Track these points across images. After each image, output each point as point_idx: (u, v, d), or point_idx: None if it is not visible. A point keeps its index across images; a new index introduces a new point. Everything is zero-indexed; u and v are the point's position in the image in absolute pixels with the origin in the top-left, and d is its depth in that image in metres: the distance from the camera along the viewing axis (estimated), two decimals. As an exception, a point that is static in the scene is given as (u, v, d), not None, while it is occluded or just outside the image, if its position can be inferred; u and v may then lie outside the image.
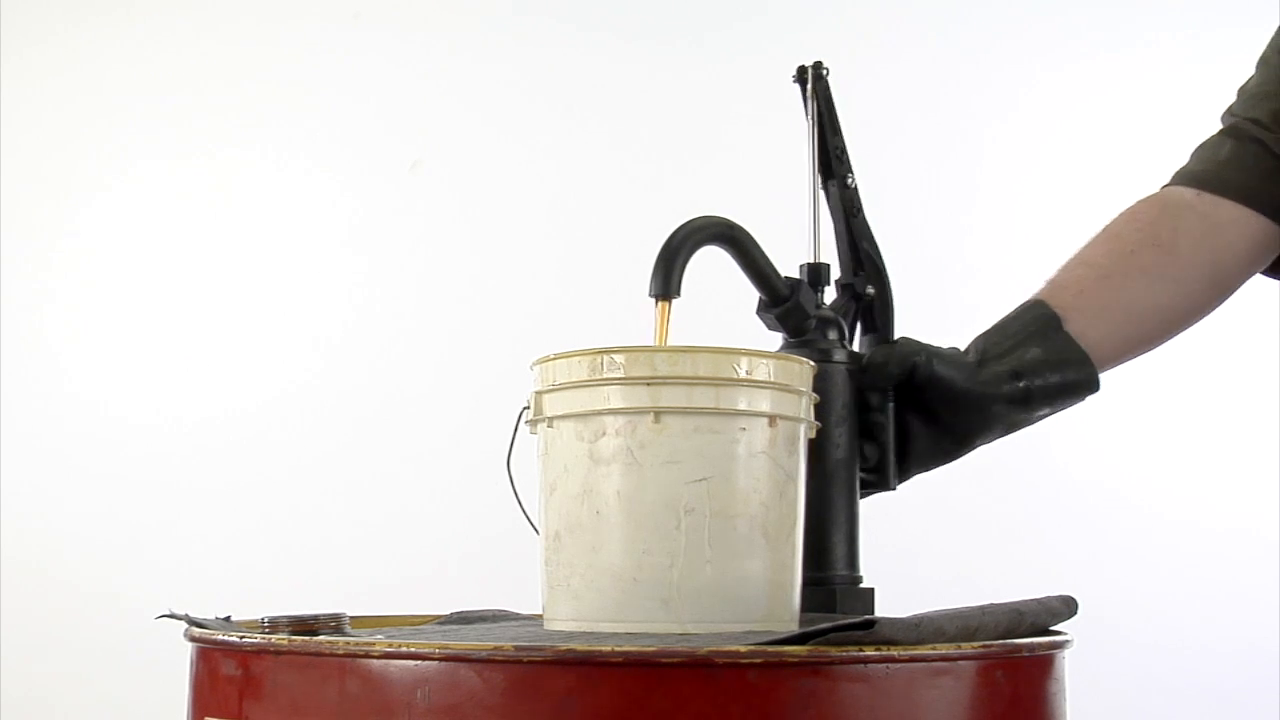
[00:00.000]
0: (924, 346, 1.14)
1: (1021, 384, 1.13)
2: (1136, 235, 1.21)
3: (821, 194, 1.23)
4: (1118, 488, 2.65)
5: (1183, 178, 1.24)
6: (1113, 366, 1.19)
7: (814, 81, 1.21)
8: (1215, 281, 1.22)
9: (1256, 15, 2.66)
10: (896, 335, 1.20)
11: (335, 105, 2.74)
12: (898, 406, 1.14)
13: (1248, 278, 1.25)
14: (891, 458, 1.15)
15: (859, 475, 1.15)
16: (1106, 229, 1.22)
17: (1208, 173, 1.23)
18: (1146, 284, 1.20)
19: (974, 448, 1.16)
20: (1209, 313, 1.24)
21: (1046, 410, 1.16)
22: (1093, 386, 1.17)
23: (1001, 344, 1.15)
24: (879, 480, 1.16)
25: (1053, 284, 1.20)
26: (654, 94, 2.73)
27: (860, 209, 1.22)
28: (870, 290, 1.21)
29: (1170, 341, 1.23)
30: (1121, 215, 1.23)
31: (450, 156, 2.74)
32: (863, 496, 1.16)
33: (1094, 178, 2.68)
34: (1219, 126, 1.27)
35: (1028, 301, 1.19)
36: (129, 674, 2.51)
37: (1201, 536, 2.64)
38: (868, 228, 1.22)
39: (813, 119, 1.21)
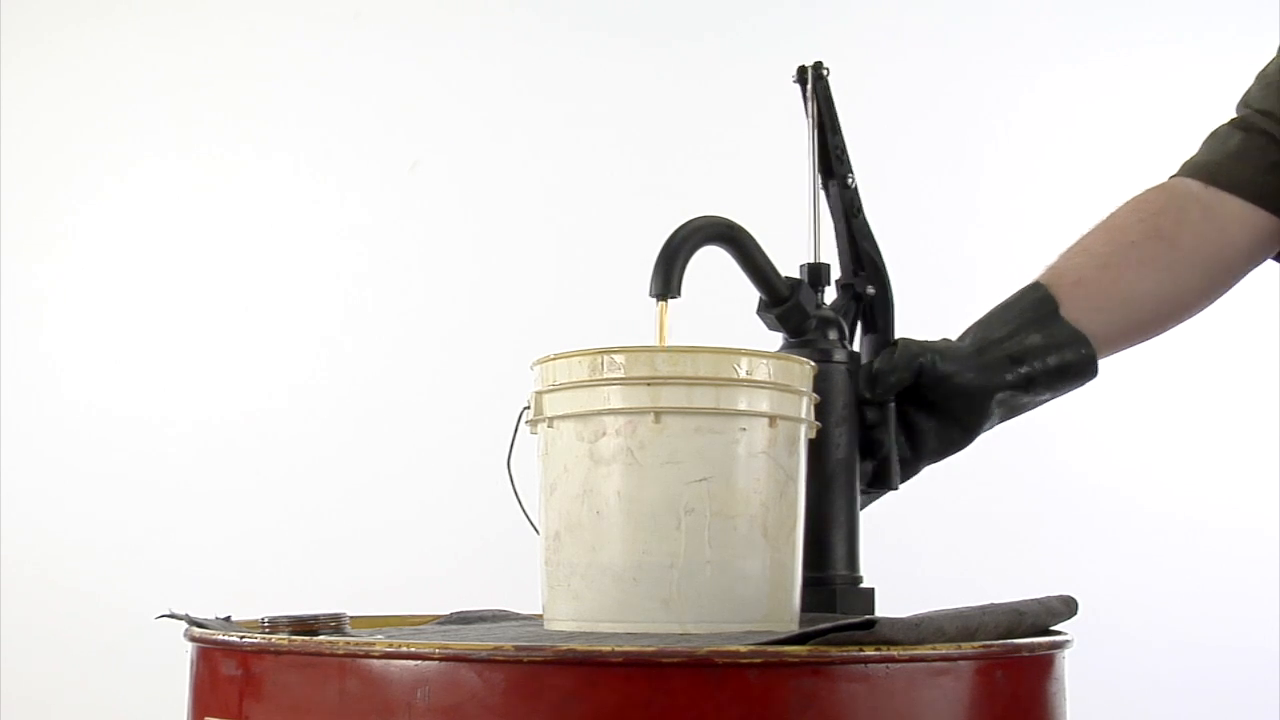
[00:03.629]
0: (925, 347, 1.14)
1: (1023, 370, 1.14)
2: (1139, 226, 1.21)
3: (822, 194, 1.23)
4: (1118, 487, 2.65)
5: (1191, 169, 1.24)
6: (1110, 354, 1.19)
7: (814, 81, 1.21)
8: (1216, 274, 1.23)
9: (1257, 16, 2.67)
10: (897, 335, 1.20)
11: (335, 105, 2.74)
12: (900, 405, 1.14)
13: (1249, 271, 1.25)
14: (894, 459, 1.14)
15: (860, 487, 1.14)
16: (1110, 217, 1.23)
17: (1215, 165, 1.23)
18: (1146, 275, 1.20)
19: (979, 435, 1.16)
20: (1208, 305, 1.25)
21: (1047, 395, 1.16)
22: (1091, 371, 1.17)
23: (1000, 330, 1.16)
24: (881, 483, 1.15)
25: (1052, 270, 1.20)
26: (654, 94, 2.73)
27: (860, 209, 1.22)
28: (870, 290, 1.22)
29: (1170, 335, 1.24)
30: (1126, 204, 1.23)
31: (450, 156, 2.74)
32: (864, 506, 1.16)
33: (1096, 178, 2.68)
34: (1232, 114, 1.27)
35: (1025, 286, 1.19)
36: (129, 674, 2.51)
37: (1202, 536, 2.64)
38: (868, 228, 1.22)
39: (812, 119, 1.21)
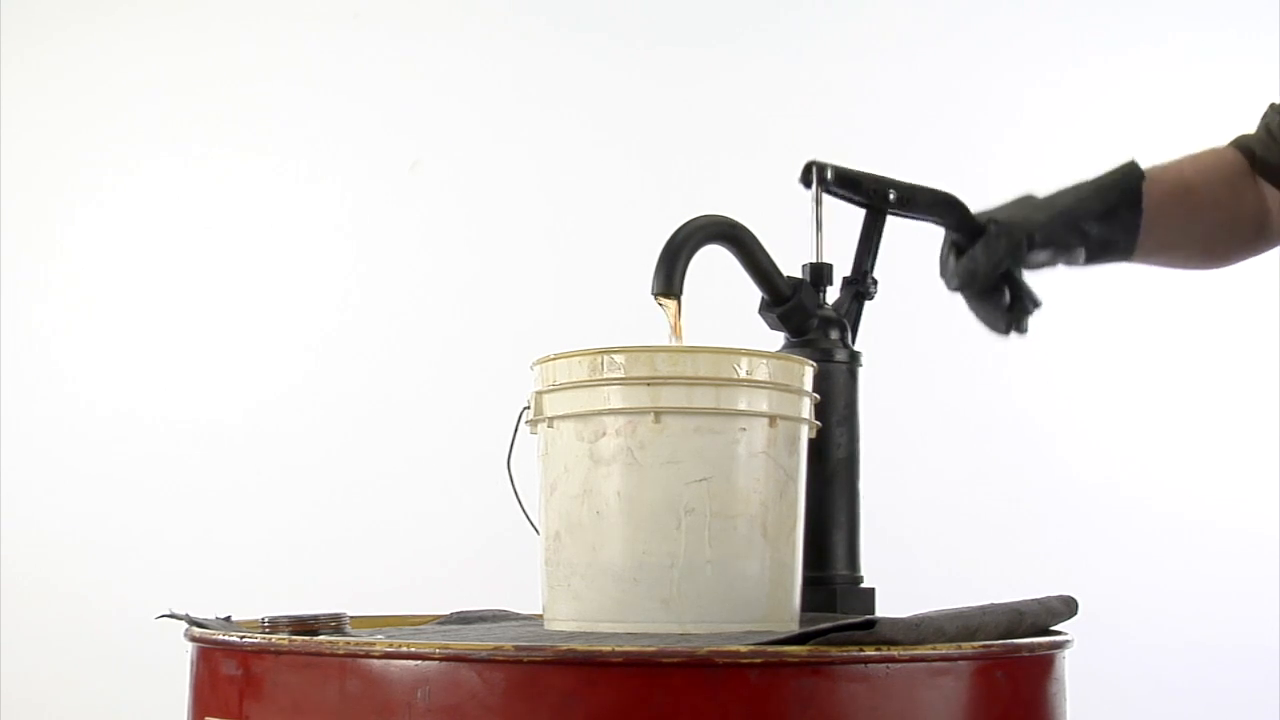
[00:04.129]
0: (1019, 226, 1.18)
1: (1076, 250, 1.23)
2: (1224, 168, 1.31)
3: (823, 194, 1.22)
4: (1118, 487, 2.65)
5: (1240, 146, 1.32)
6: (1148, 253, 1.28)
7: (818, 183, 1.20)
8: (1258, 234, 1.33)
9: (1258, 17, 2.67)
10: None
11: (335, 105, 2.74)
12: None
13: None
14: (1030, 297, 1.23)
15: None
16: (1196, 155, 1.32)
17: (1256, 146, 1.31)
18: (1215, 210, 1.31)
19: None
20: (1243, 258, 1.37)
21: (1095, 218, 1.24)
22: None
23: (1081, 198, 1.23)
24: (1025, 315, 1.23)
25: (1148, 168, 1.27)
26: (655, 95, 2.73)
27: (906, 192, 1.24)
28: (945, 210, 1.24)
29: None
30: (1208, 150, 1.33)
31: (450, 156, 2.74)
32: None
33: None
34: None
35: (1126, 171, 1.26)
36: (129, 674, 2.51)
37: (1202, 536, 2.64)
38: (920, 191, 1.24)
39: (816, 219, 1.20)
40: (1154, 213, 1.24)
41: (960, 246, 1.21)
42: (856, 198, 1.21)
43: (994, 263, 1.18)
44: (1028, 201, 1.23)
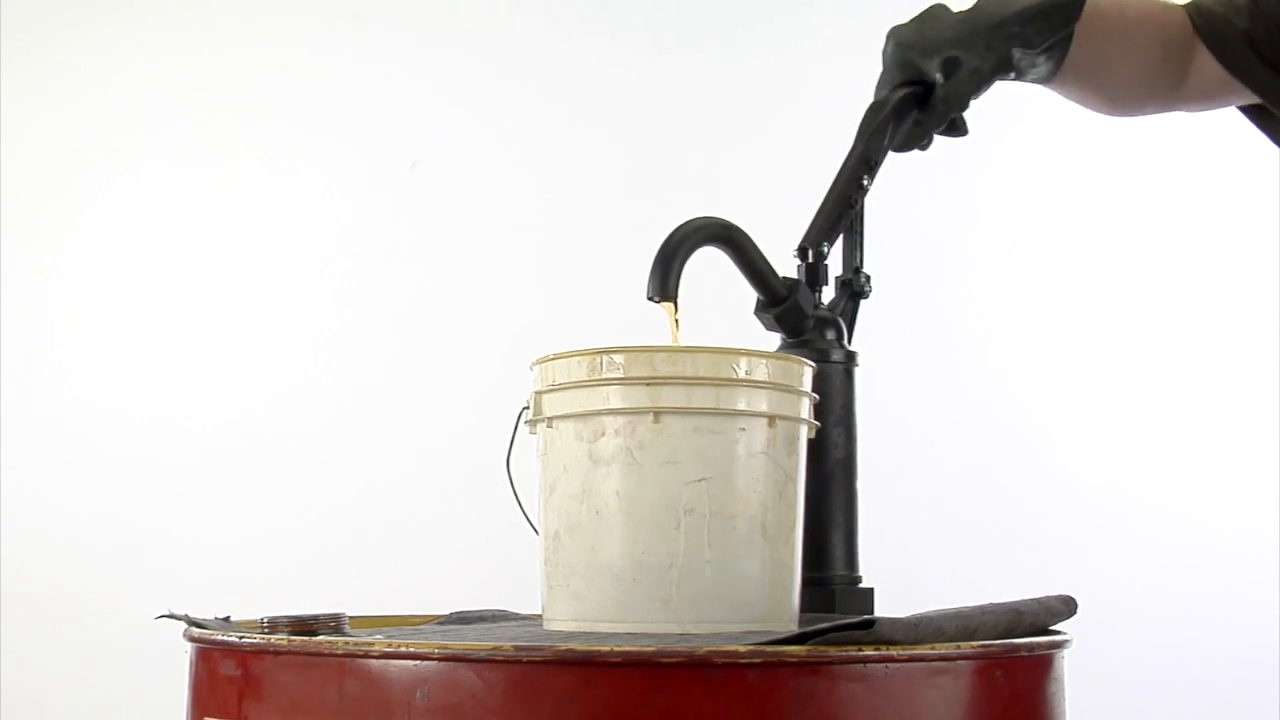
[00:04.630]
0: (956, 92, 1.20)
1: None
2: (1157, 21, 1.29)
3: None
4: (1117, 487, 2.65)
5: (1197, 16, 1.30)
6: (1071, 78, 1.27)
7: (815, 259, 1.19)
8: (1168, 91, 1.32)
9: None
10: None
11: (335, 105, 2.74)
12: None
13: (1187, 107, 1.34)
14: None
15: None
16: (1147, 4, 1.30)
17: (1218, 33, 1.29)
18: (1132, 69, 1.29)
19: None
20: (1144, 111, 1.35)
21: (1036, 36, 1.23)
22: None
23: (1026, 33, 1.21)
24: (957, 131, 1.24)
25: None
26: (654, 96, 2.73)
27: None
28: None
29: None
30: (1157, 5, 1.31)
31: (449, 157, 2.74)
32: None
33: (1097, 178, 2.68)
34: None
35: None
36: (129, 674, 2.51)
37: (1201, 536, 2.64)
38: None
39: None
40: (1083, 49, 1.24)
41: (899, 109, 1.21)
42: (849, 220, 1.21)
43: (936, 128, 1.20)
44: (976, 28, 1.21)
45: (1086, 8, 1.23)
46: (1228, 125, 1.34)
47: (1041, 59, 1.23)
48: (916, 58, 1.20)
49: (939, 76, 1.19)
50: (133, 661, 2.47)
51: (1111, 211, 2.68)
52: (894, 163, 1.25)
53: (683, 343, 1.02)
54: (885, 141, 1.19)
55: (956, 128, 1.24)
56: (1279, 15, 1.26)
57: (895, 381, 2.27)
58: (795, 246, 1.17)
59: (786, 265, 1.17)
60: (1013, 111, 2.74)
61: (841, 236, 1.22)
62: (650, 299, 1.04)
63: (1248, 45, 1.27)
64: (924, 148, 1.23)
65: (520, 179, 2.72)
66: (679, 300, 1.04)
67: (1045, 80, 1.26)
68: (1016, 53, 1.21)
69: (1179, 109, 1.34)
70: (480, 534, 2.22)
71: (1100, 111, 1.35)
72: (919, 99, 1.20)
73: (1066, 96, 1.32)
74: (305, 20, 2.77)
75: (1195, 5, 1.31)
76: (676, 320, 1.03)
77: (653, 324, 1.07)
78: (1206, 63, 1.29)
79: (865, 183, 1.19)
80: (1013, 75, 1.23)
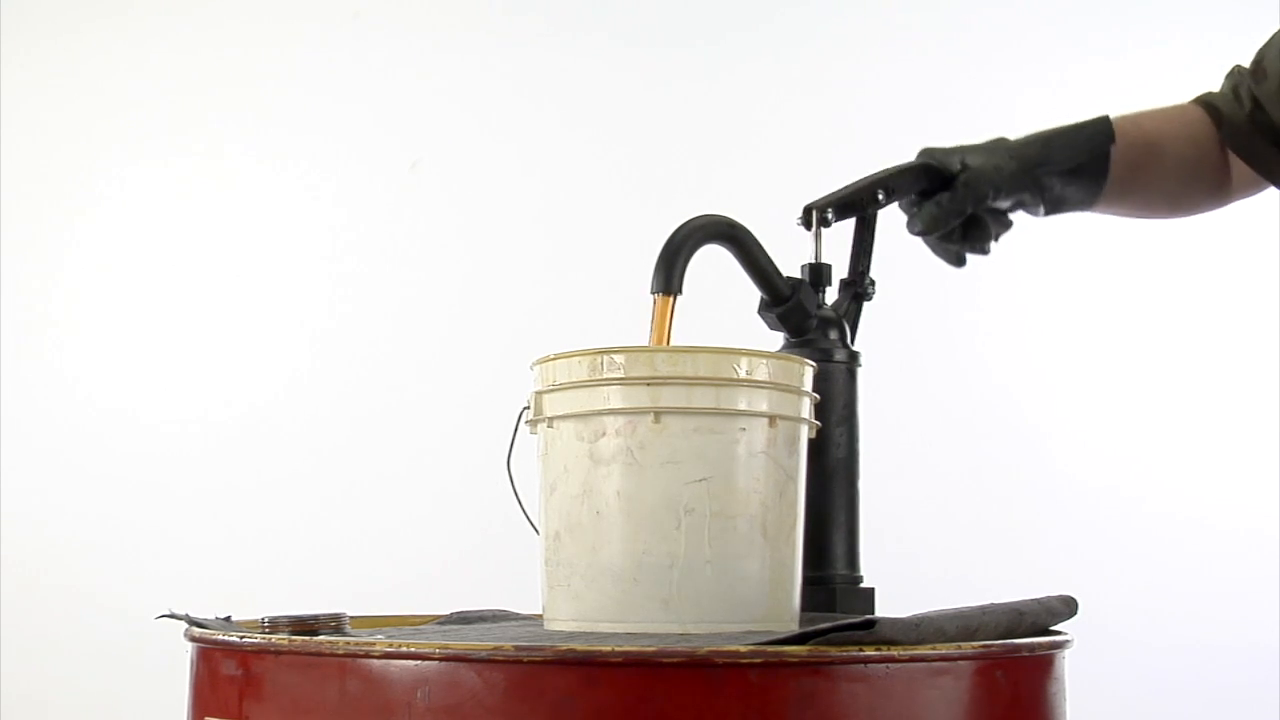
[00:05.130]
0: (982, 176, 1.21)
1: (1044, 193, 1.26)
2: (1186, 127, 1.35)
3: (822, 231, 1.23)
4: (1117, 487, 2.65)
5: (1207, 107, 1.35)
6: (1112, 200, 1.31)
7: (818, 225, 1.20)
8: (1216, 190, 1.36)
9: (1256, 17, 2.66)
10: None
11: (334, 105, 2.74)
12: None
13: (1238, 199, 1.39)
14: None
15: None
16: (1164, 109, 1.37)
17: (1224, 109, 1.35)
18: (1176, 162, 1.34)
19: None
20: (1197, 212, 1.40)
21: (1060, 163, 1.27)
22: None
23: (1058, 162, 1.25)
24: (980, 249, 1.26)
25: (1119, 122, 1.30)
26: (654, 96, 2.73)
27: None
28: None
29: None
30: (1174, 106, 1.37)
31: (449, 157, 2.74)
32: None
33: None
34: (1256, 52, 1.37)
35: (1096, 122, 1.28)
36: (129, 674, 2.51)
37: (1201, 536, 2.64)
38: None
39: (817, 253, 1.21)
40: (1119, 169, 1.28)
41: (927, 192, 1.24)
42: (853, 214, 1.23)
43: (958, 212, 1.22)
44: (999, 147, 1.25)
45: (1118, 152, 1.27)
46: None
47: (1073, 182, 1.26)
48: (940, 154, 1.25)
49: (959, 166, 1.23)
50: (133, 661, 2.47)
51: (1111, 230, 2.68)
52: (890, 164, 1.25)
53: (674, 341, 1.03)
54: (909, 182, 1.24)
55: (980, 228, 1.25)
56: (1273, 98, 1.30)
57: (897, 383, 2.27)
58: (801, 208, 1.20)
59: (790, 265, 1.17)
60: (1012, 113, 2.75)
61: (849, 240, 1.22)
62: (654, 295, 1.04)
63: (1255, 130, 1.31)
64: (965, 249, 1.25)
65: (520, 178, 2.72)
66: (680, 299, 1.04)
67: (1089, 205, 1.29)
68: (1041, 168, 1.24)
69: (1234, 198, 1.37)
70: (480, 534, 2.22)
71: (1162, 218, 1.41)
72: (945, 182, 1.23)
73: (1121, 215, 1.37)
74: (305, 20, 2.77)
75: (1209, 102, 1.35)
76: (668, 317, 1.03)
77: (652, 320, 1.06)
78: (1233, 157, 1.33)
79: (880, 198, 1.23)
80: (1044, 204, 1.26)
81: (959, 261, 1.26)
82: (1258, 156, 1.31)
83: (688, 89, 2.72)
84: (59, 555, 2.64)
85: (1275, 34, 1.33)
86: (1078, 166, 1.25)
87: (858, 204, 1.22)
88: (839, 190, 1.22)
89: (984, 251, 1.27)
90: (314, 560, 2.58)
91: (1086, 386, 2.68)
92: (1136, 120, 1.32)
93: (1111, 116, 1.29)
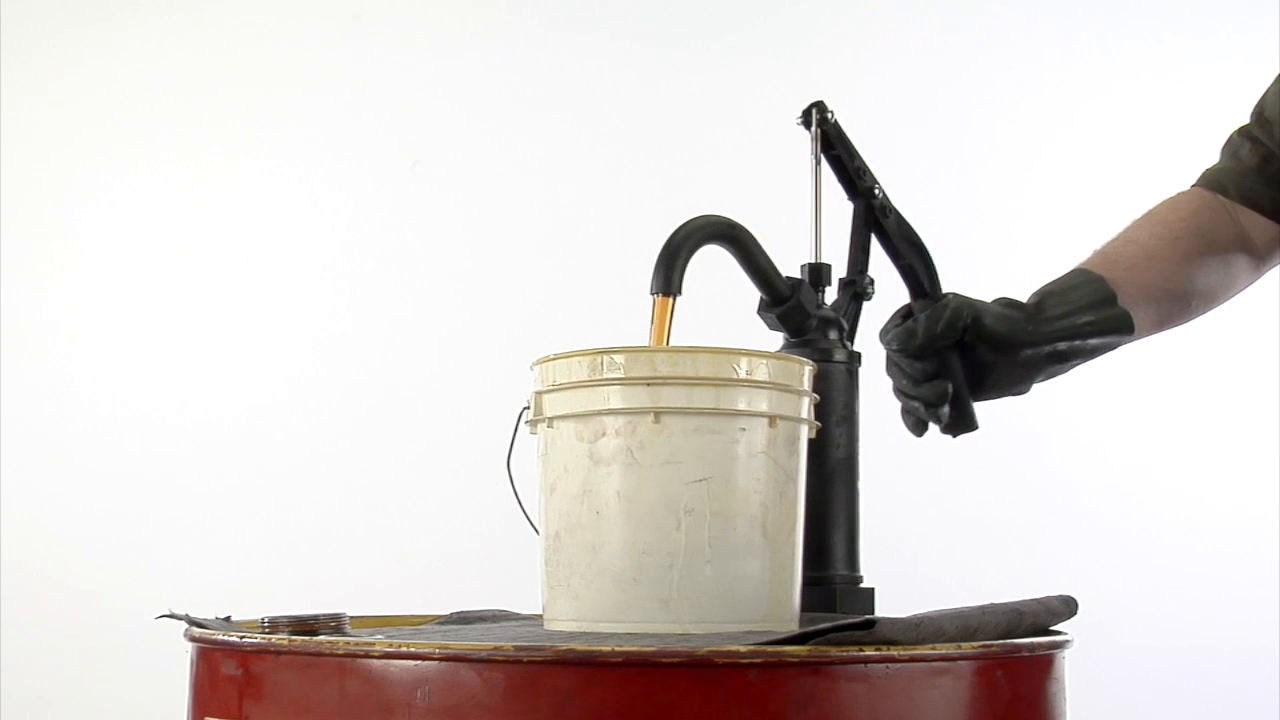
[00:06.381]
0: (970, 305, 1.16)
1: (1065, 346, 1.19)
2: (1180, 223, 1.28)
3: (824, 195, 1.23)
4: (1118, 488, 2.65)
5: (1211, 183, 1.31)
6: (1146, 336, 1.26)
7: (819, 124, 1.21)
8: (1243, 272, 1.31)
9: (1255, 17, 2.66)
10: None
11: (335, 106, 2.74)
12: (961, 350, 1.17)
13: (1266, 270, 1.33)
14: (968, 401, 1.18)
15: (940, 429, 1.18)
16: (1151, 213, 1.30)
17: (1233, 182, 1.30)
18: (1190, 268, 1.27)
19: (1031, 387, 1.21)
20: (1229, 299, 1.34)
21: (1080, 363, 1.23)
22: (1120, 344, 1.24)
23: (1060, 307, 1.19)
24: (965, 427, 1.20)
25: (1104, 256, 1.25)
26: (654, 95, 2.73)
27: (891, 209, 1.23)
28: (911, 265, 1.24)
29: (1169, 335, 1.32)
30: (1164, 203, 1.31)
31: (450, 156, 2.74)
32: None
33: (1095, 178, 2.68)
34: (1244, 119, 1.32)
35: (1079, 270, 1.23)
36: (129, 674, 2.51)
37: (1202, 536, 2.64)
38: (903, 221, 1.24)
39: (815, 156, 1.21)
40: (1145, 330, 1.23)
41: (908, 313, 1.19)
42: (844, 171, 1.22)
43: (933, 333, 1.13)
44: (1015, 310, 1.19)
45: (1099, 257, 1.23)
46: (1227, 126, 1.34)
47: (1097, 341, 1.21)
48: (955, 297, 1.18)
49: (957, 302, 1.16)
50: (133, 661, 2.47)
51: (1112, 212, 2.68)
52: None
53: (674, 341, 1.03)
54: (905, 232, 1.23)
55: (961, 412, 1.18)
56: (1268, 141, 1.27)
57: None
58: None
59: (790, 265, 1.17)
60: (1012, 110, 2.76)
61: (847, 240, 1.22)
62: (654, 295, 1.04)
63: (1268, 181, 1.27)
64: (933, 416, 1.17)
65: (520, 178, 2.72)
66: (680, 300, 1.04)
67: (1118, 345, 1.24)
68: (1063, 331, 1.19)
69: (1273, 262, 1.32)
70: (480, 534, 2.22)
71: (1207, 311, 1.34)
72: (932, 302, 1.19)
73: (1159, 332, 1.31)
74: (305, 20, 2.77)
75: (1212, 180, 1.30)
76: (668, 317, 1.03)
77: (652, 320, 1.06)
78: (1254, 218, 1.28)
79: (877, 192, 1.22)
80: (1068, 353, 1.20)
81: (920, 428, 1.18)
82: (1277, 205, 1.27)
83: (687, 89, 2.72)
84: (59, 555, 2.64)
85: (1268, 89, 1.30)
86: (1100, 321, 1.20)
87: (853, 166, 1.22)
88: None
89: (954, 432, 1.20)
90: (314, 560, 2.58)
91: (1087, 387, 2.68)
92: (1132, 252, 1.25)
93: (1118, 296, 1.20)
